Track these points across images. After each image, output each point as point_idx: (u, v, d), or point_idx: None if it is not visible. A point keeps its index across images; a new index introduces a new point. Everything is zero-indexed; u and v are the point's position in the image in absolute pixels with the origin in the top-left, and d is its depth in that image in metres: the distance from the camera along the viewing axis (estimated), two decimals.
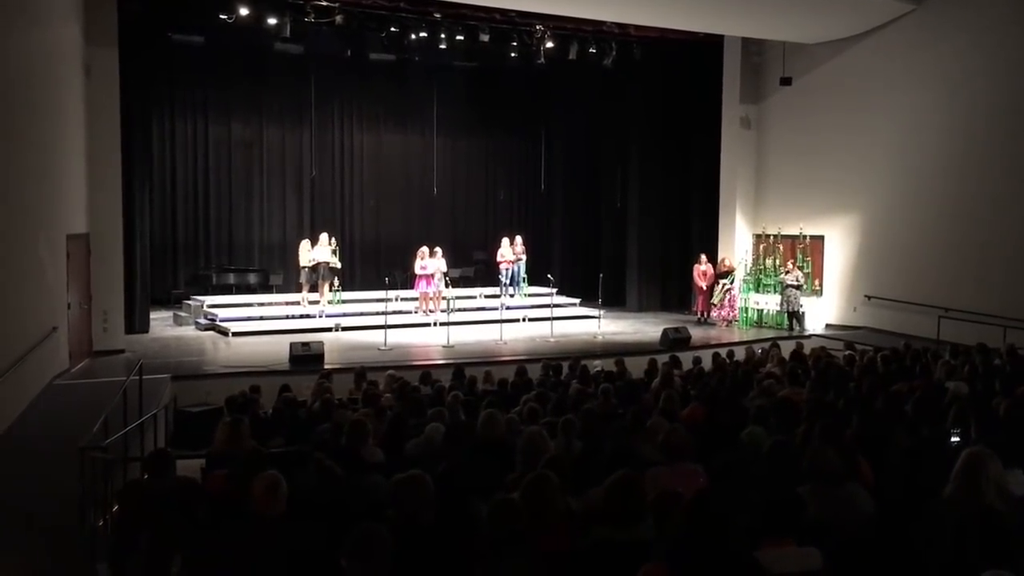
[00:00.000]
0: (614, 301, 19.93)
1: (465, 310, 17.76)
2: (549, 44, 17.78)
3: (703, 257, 18.76)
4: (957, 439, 5.75)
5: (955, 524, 3.05)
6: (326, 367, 12.41)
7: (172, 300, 18.38)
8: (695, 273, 18.78)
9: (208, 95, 19.60)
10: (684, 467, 5.01)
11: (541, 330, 16.41)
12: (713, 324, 18.24)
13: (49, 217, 11.61)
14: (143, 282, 15.87)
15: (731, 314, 18.21)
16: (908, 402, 6.93)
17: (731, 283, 18.34)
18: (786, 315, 17.22)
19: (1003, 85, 14.78)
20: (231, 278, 18.69)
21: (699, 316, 18.64)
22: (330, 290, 17.43)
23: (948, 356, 10.15)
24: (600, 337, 16.30)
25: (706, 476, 4.89)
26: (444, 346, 14.79)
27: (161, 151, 19.06)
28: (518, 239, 19.44)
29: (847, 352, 11.69)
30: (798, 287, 17.05)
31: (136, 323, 15.48)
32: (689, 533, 2.98)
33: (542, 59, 17.98)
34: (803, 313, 17.21)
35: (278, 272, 19.43)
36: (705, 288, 18.61)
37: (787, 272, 17.18)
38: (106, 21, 14.06)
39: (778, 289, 17.55)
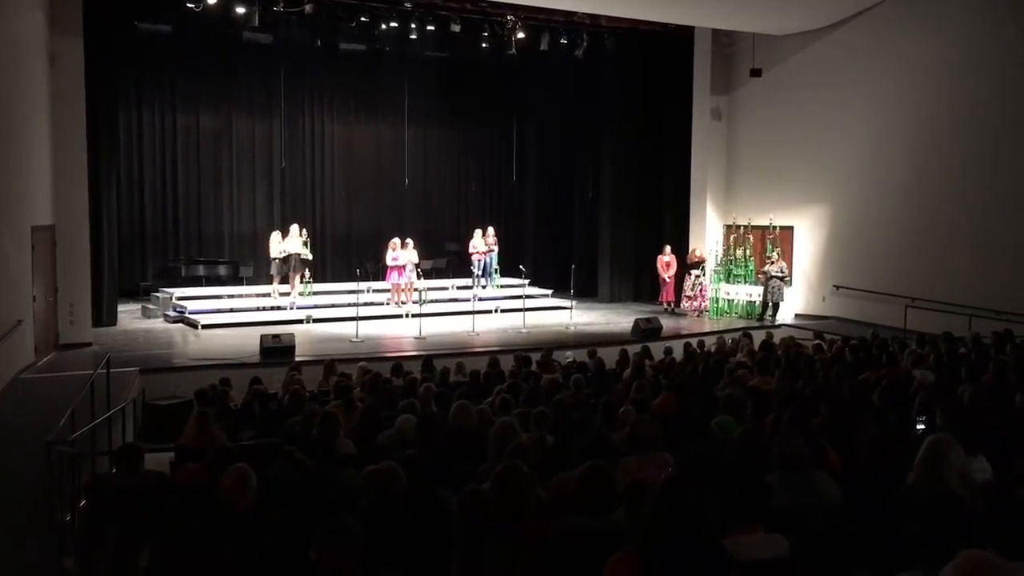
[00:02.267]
0: (586, 292, 20.00)
1: (437, 301, 17.72)
2: (520, 35, 17.75)
3: (667, 248, 18.85)
4: (923, 427, 5.84)
5: (919, 510, 3.10)
6: (297, 359, 12.36)
7: (140, 292, 18.17)
8: (658, 264, 18.86)
9: (176, 85, 19.36)
10: (654, 457, 5.04)
11: (513, 321, 16.42)
12: (684, 314, 18.34)
13: (13, 208, 11.43)
14: (111, 274, 15.68)
15: (702, 304, 18.32)
16: (875, 391, 7.03)
17: (702, 274, 18.44)
18: (762, 305, 17.29)
19: (969, 77, 14.96)
20: (200, 270, 18.51)
21: (665, 307, 18.72)
22: (301, 282, 17.32)
23: (915, 345, 10.29)
24: (572, 328, 16.35)
25: (675, 465, 4.93)
26: (416, 338, 14.76)
27: (128, 141, 18.81)
28: (490, 230, 19.43)
29: (816, 342, 11.82)
30: (782, 278, 17.18)
31: (104, 316, 15.29)
32: (657, 521, 3.00)
33: (513, 50, 17.95)
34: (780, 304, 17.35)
35: (248, 264, 19.25)
36: (668, 279, 18.70)
37: (772, 263, 17.27)
38: (71, 9, 13.82)
39: (750, 279, 17.67)
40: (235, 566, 3.82)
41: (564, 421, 6.40)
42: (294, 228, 17.28)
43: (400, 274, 17.40)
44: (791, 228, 18.21)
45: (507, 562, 3.15)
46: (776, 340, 12.08)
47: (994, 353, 9.28)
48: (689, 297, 18.55)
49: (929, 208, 15.55)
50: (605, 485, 3.91)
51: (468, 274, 19.37)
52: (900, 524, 3.53)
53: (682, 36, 19.21)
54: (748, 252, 18.08)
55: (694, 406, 6.99)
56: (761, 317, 17.21)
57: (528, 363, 10.67)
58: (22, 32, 12.08)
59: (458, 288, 19.25)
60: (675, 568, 2.90)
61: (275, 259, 17.11)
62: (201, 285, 17.96)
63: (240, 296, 17.38)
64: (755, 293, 17.50)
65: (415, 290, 17.22)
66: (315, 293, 17.62)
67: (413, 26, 17.26)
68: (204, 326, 15.40)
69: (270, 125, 20.25)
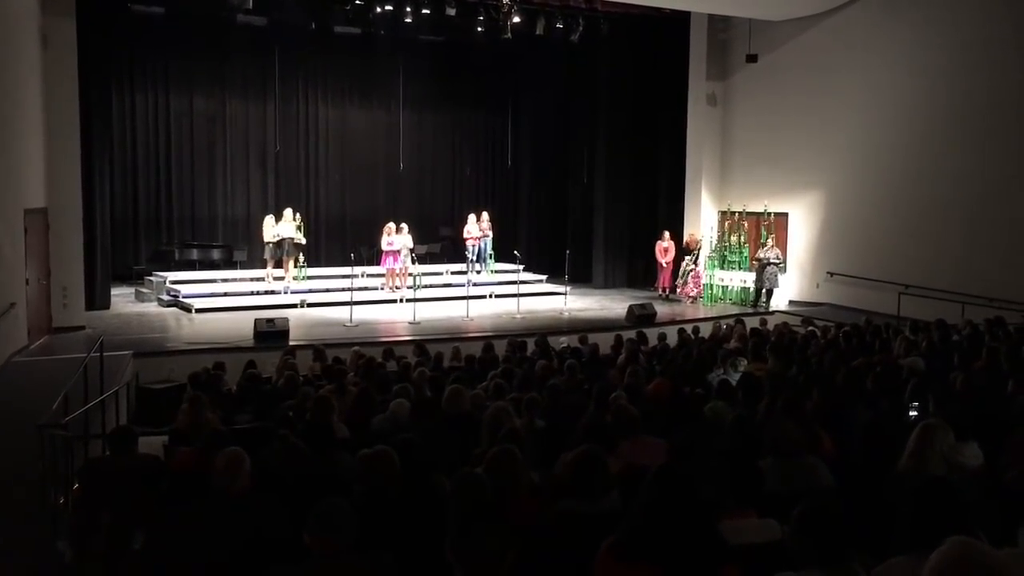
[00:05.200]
0: (580, 277, 19.99)
1: (432, 286, 17.70)
2: (516, 19, 17.63)
3: (665, 234, 18.84)
4: (915, 413, 5.86)
5: (909, 495, 3.12)
6: (291, 343, 12.35)
7: (134, 276, 18.13)
8: (656, 250, 18.85)
9: (169, 67, 19.24)
10: (647, 441, 5.06)
11: (508, 306, 16.42)
12: (678, 300, 18.35)
13: (5, 191, 11.37)
14: (104, 257, 15.63)
15: (696, 291, 18.32)
16: (868, 377, 7.05)
17: (694, 260, 18.43)
18: (756, 291, 17.31)
19: (962, 64, 14.93)
20: (194, 254, 18.47)
21: (660, 293, 18.73)
22: (295, 266, 17.30)
23: (908, 332, 10.31)
24: (566, 313, 16.35)
25: (667, 450, 4.94)
26: (410, 322, 14.76)
27: (121, 124, 18.71)
28: (484, 215, 19.40)
29: (809, 328, 11.83)
30: (778, 264, 17.18)
31: (97, 299, 15.25)
32: (652, 506, 3.00)
33: (508, 34, 17.84)
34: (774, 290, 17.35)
35: (242, 248, 19.21)
36: (666, 265, 18.69)
37: (767, 249, 17.27)
38: None
39: (744, 265, 17.67)
40: (228, 549, 3.83)
41: (558, 406, 6.41)
42: (288, 212, 17.24)
43: (395, 259, 17.37)
44: (786, 214, 18.21)
45: (500, 546, 3.15)
46: (770, 326, 12.10)
47: (987, 340, 9.31)
48: (677, 285, 18.55)
49: (923, 195, 15.56)
50: (598, 468, 3.92)
51: (462, 259, 19.33)
52: (891, 509, 3.54)
53: (678, 21, 19.14)
54: (743, 238, 18.07)
55: (687, 391, 7.01)
56: (755, 303, 17.24)
57: (524, 348, 10.69)
58: (15, 13, 11.98)
59: (452, 273, 19.22)
60: (670, 553, 2.90)
61: (269, 243, 17.07)
62: (195, 269, 17.93)
63: (234, 280, 17.36)
64: (749, 279, 17.50)
65: (409, 275, 17.20)
66: (309, 277, 17.62)
67: (408, 9, 17.15)
68: (198, 310, 15.37)
69: (264, 108, 20.16)
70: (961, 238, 14.93)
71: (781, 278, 17.44)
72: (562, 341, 12.61)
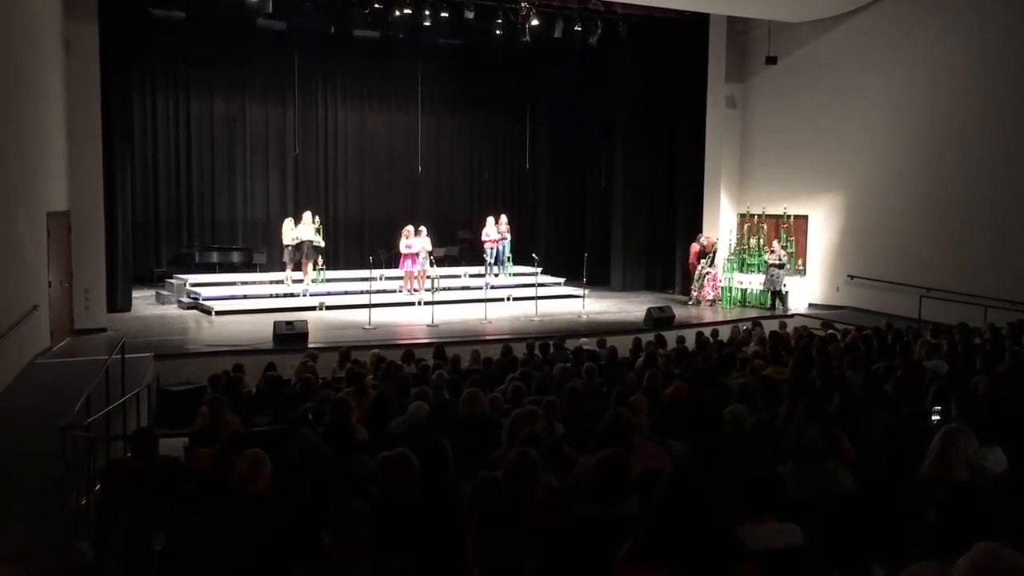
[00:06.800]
0: (598, 280, 19.96)
1: (450, 289, 17.73)
2: (534, 22, 17.63)
3: (700, 236, 18.75)
4: (938, 417, 5.81)
5: (931, 500, 3.09)
6: (310, 346, 12.39)
7: (154, 279, 18.26)
8: (691, 253, 18.72)
9: (190, 71, 19.40)
10: (666, 445, 5.04)
11: (526, 309, 16.42)
12: (697, 303, 18.28)
13: (29, 194, 11.48)
14: (125, 260, 15.75)
15: (713, 294, 18.25)
16: (889, 381, 6.99)
17: (710, 264, 18.35)
18: (769, 295, 17.28)
19: (984, 66, 14.80)
20: (214, 257, 18.58)
21: (691, 298, 18.58)
22: (314, 269, 17.37)
23: (929, 335, 10.22)
24: (584, 316, 16.33)
25: (680, 455, 4.92)
26: (429, 325, 14.78)
27: (142, 128, 18.89)
28: (503, 218, 19.40)
29: (829, 331, 11.75)
30: (780, 266, 17.11)
31: (118, 301, 15.38)
32: (665, 509, 2.98)
33: (527, 37, 17.84)
34: (786, 293, 17.26)
35: (261, 251, 19.32)
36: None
37: (771, 252, 17.24)
38: None
39: (763, 268, 17.62)
40: (248, 551, 3.84)
41: (576, 409, 6.39)
42: (307, 215, 17.32)
43: (413, 262, 17.41)
44: (805, 217, 18.11)
45: (520, 549, 3.15)
46: (789, 330, 12.03)
47: (1009, 343, 9.21)
48: (693, 289, 18.48)
49: (944, 198, 15.42)
50: (620, 473, 3.90)
51: (481, 262, 19.35)
52: (914, 514, 3.51)
53: (697, 23, 19.09)
54: (762, 241, 17.99)
55: (706, 395, 6.97)
56: (771, 307, 17.16)
57: (545, 350, 10.69)
58: (38, 17, 12.10)
59: (470, 276, 19.25)
60: (684, 555, 2.88)
61: (288, 246, 17.15)
62: (215, 271, 18.03)
63: (253, 283, 17.44)
64: None
65: (428, 278, 17.23)
66: (328, 280, 17.67)
67: (427, 13, 17.17)
68: (218, 312, 15.46)
69: (283, 112, 20.28)
70: (983, 241, 14.78)
71: (796, 280, 17.35)
72: (585, 343, 12.60)
